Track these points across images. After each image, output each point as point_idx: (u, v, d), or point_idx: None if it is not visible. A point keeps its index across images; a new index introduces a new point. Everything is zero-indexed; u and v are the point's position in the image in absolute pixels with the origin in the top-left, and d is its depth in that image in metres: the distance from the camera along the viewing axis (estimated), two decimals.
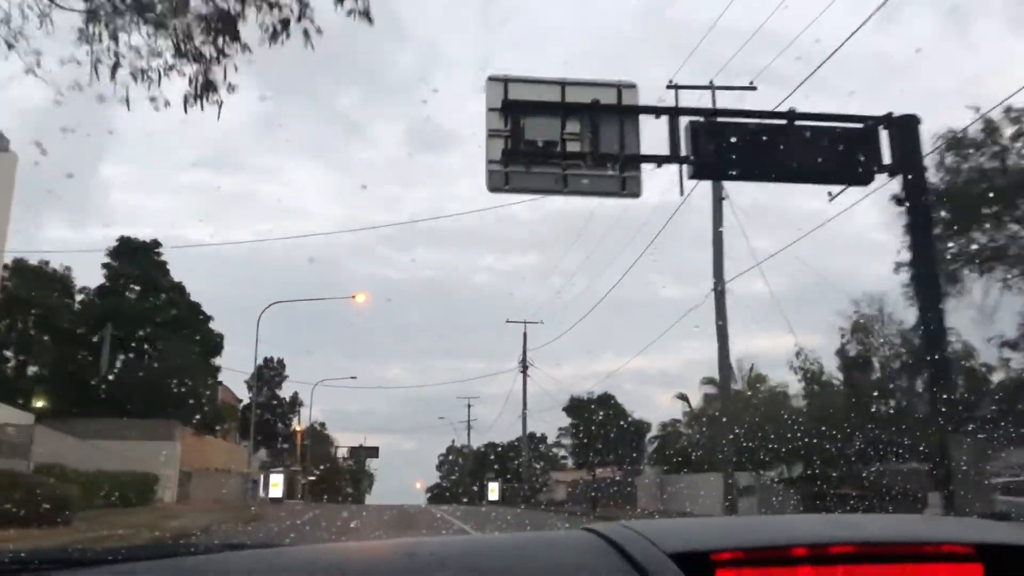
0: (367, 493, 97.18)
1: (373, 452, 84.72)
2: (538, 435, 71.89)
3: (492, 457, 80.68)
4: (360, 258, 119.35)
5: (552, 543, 1.32)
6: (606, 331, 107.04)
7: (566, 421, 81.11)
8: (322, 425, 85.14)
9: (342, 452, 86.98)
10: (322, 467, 79.24)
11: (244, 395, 65.44)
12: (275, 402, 68.32)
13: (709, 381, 31.25)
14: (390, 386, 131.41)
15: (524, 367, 51.34)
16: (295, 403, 68.86)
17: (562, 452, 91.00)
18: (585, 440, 43.17)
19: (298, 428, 73.04)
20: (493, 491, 60.81)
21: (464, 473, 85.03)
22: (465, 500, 68.74)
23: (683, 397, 35.79)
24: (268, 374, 65.91)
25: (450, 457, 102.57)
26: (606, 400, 44.53)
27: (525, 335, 51.86)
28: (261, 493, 59.36)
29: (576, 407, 47.18)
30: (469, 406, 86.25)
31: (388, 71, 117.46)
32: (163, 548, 1.79)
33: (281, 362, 67.22)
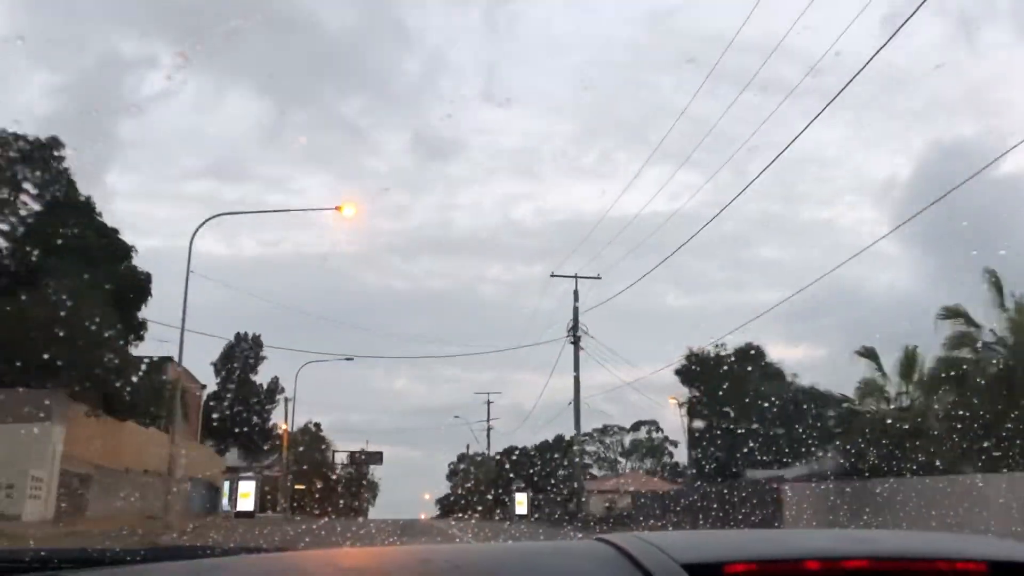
0: (370, 505, 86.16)
1: (376, 458, 72.87)
2: (566, 439, 60.44)
3: (511, 464, 69.79)
4: (368, 266, 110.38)
5: (566, 552, 1.34)
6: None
7: (588, 427, 69.16)
8: (316, 425, 72.49)
9: (340, 457, 74.77)
10: (312, 472, 66.41)
11: (212, 379, 52.72)
12: (246, 390, 53.99)
13: (953, 314, 17.90)
14: (390, 357, 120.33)
15: (575, 337, 37.68)
16: (275, 391, 54.41)
17: (586, 459, 79.69)
18: (724, 413, 28.53)
19: (284, 426, 59.98)
20: (521, 503, 53.03)
21: (483, 482, 72.90)
22: (496, 514, 57.39)
23: (867, 353, 22.01)
24: (240, 354, 52.06)
25: (462, 466, 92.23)
26: (748, 355, 29.89)
27: (576, 292, 38.31)
28: (226, 505, 46.63)
29: (699, 364, 32.21)
30: (489, 402, 75.46)
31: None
32: (181, 550, 1.92)
33: (257, 339, 52.52)
